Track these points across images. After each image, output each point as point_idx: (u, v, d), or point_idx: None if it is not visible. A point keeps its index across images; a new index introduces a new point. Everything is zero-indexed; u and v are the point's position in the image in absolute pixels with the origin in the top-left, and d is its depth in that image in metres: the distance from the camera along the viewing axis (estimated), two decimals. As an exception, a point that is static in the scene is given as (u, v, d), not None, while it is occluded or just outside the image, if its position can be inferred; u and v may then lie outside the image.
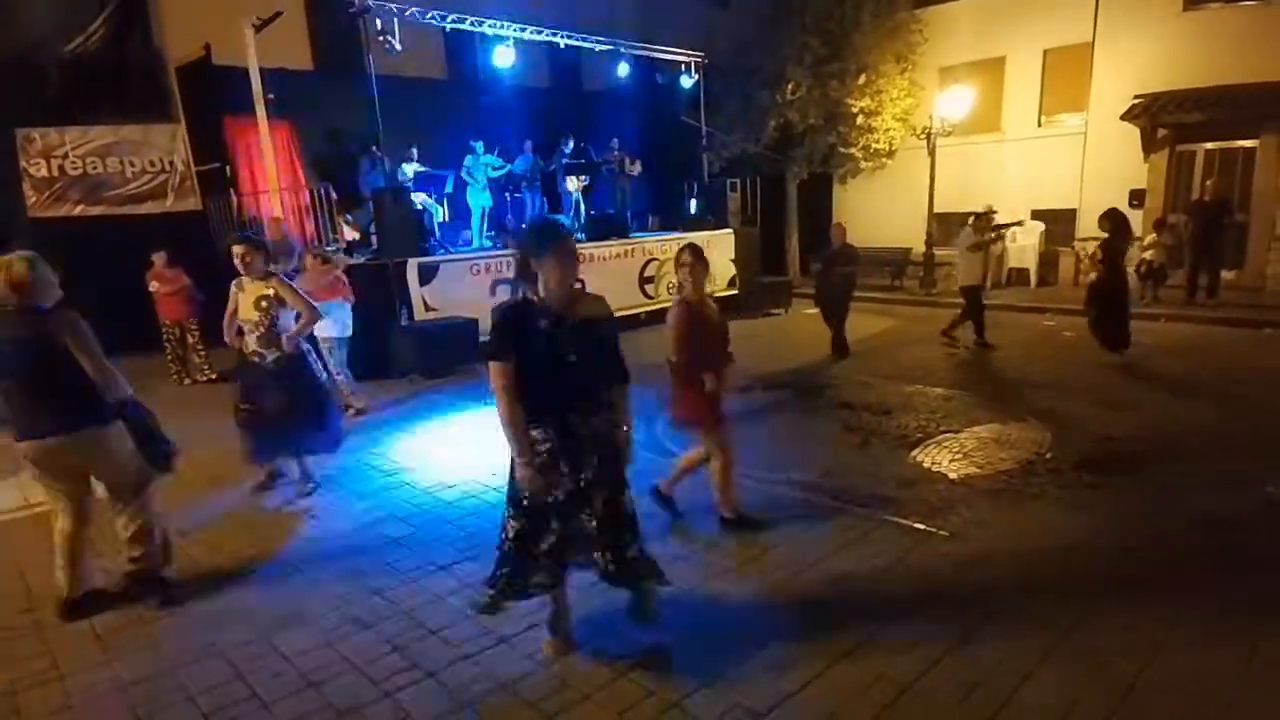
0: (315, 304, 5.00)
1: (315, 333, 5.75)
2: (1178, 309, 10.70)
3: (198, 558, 4.18)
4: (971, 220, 9.06)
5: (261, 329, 4.75)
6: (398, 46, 9.12)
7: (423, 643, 3.25)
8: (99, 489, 3.69)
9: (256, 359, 4.81)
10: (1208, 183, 11.54)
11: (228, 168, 9.89)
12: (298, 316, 4.82)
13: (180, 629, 3.46)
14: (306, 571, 3.96)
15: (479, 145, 11.26)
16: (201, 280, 8.18)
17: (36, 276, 3.37)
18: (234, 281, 4.85)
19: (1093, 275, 8.22)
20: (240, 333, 4.86)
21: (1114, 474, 4.91)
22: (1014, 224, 11.61)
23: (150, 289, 8.04)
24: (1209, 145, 12.27)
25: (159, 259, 8.05)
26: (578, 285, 2.78)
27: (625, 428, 2.97)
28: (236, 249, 4.78)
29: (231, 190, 9.93)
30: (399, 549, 4.18)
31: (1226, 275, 11.42)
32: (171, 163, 10.20)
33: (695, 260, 4.11)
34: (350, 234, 10.02)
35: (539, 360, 2.73)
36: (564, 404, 2.80)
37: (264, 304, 4.73)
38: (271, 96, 9.11)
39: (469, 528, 4.42)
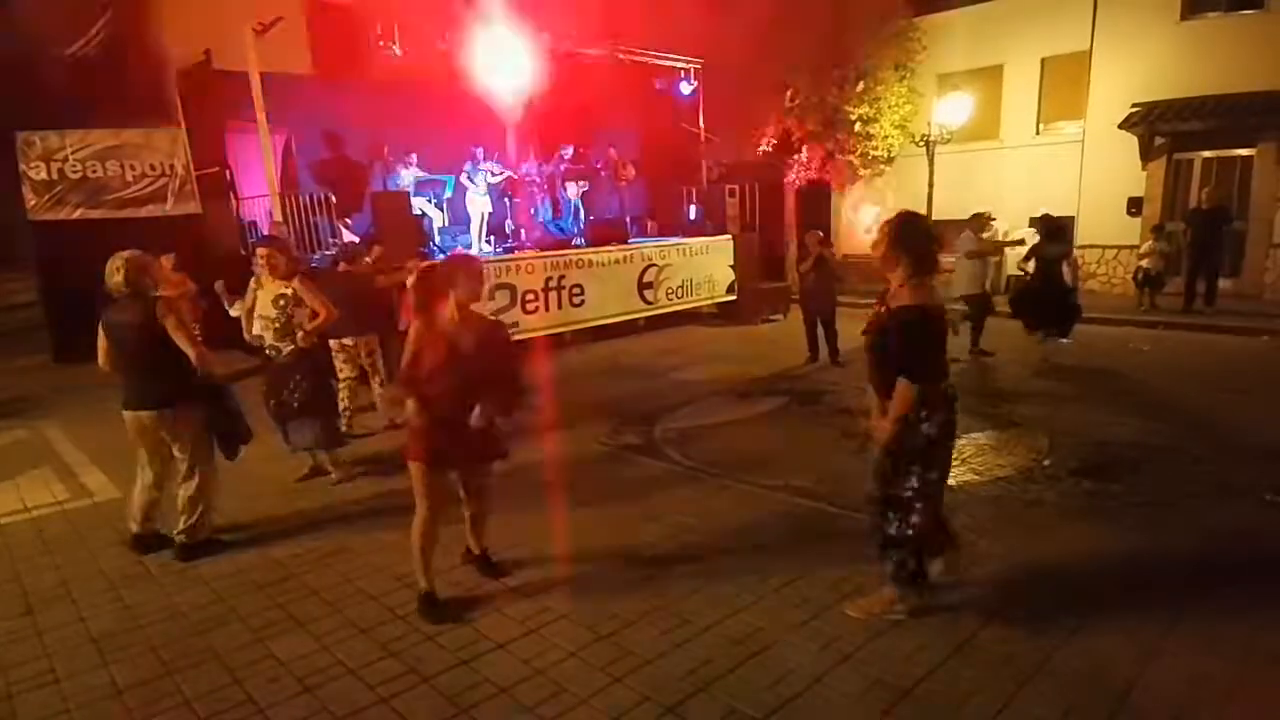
0: None
1: None
2: (1175, 316, 10.72)
3: (194, 561, 4.17)
4: (970, 221, 8.97)
5: (277, 325, 4.97)
6: (398, 52, 9.15)
7: (419, 648, 3.25)
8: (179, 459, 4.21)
9: (271, 353, 5.05)
10: (1205, 191, 11.57)
11: (228, 171, 9.89)
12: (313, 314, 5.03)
13: (177, 633, 3.45)
14: (303, 575, 3.96)
15: (479, 151, 11.29)
16: (202, 285, 8.17)
17: (145, 269, 4.03)
18: (253, 278, 5.10)
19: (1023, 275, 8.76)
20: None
21: (1111, 481, 4.92)
22: (1016, 242, 11.65)
23: None
24: (1206, 154, 12.31)
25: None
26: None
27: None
28: (260, 251, 5.05)
29: (231, 194, 9.94)
30: (397, 552, 4.17)
31: (1224, 283, 11.45)
32: (172, 166, 10.20)
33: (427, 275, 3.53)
34: (349, 238, 10.03)
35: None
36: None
37: (281, 302, 4.95)
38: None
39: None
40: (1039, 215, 8.84)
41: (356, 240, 9.99)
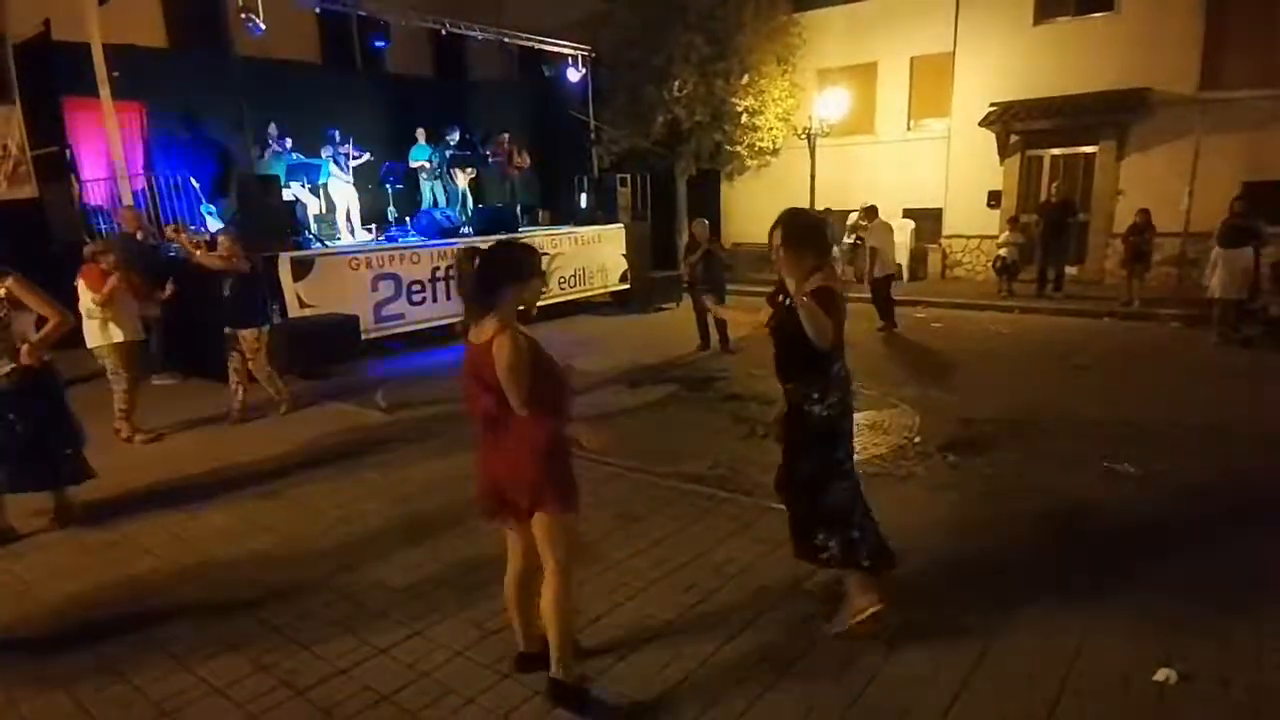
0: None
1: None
2: (1029, 301, 11.66)
3: None
4: (869, 211, 10.19)
5: None
6: (262, 26, 8.56)
7: (293, 659, 3.07)
8: None
9: None
10: (1054, 185, 12.62)
11: (68, 151, 8.97)
12: (40, 322, 4.19)
13: None
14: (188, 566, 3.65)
15: (335, 133, 10.75)
16: (37, 278, 7.38)
17: None
18: None
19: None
20: None
21: (974, 455, 5.28)
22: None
23: None
24: (1055, 151, 13.39)
25: None
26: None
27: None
28: None
29: (73, 176, 9.02)
30: (262, 563, 3.93)
31: (1070, 270, 12.53)
32: (5, 147, 9.20)
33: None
34: (213, 225, 9.34)
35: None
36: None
37: None
38: (116, 75, 8.33)
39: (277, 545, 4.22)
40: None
41: (223, 227, 9.36)
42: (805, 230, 3.17)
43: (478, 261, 2.58)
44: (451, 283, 9.78)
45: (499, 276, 2.56)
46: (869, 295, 10.10)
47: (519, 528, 2.72)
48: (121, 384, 5.90)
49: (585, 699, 2.76)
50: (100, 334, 5.78)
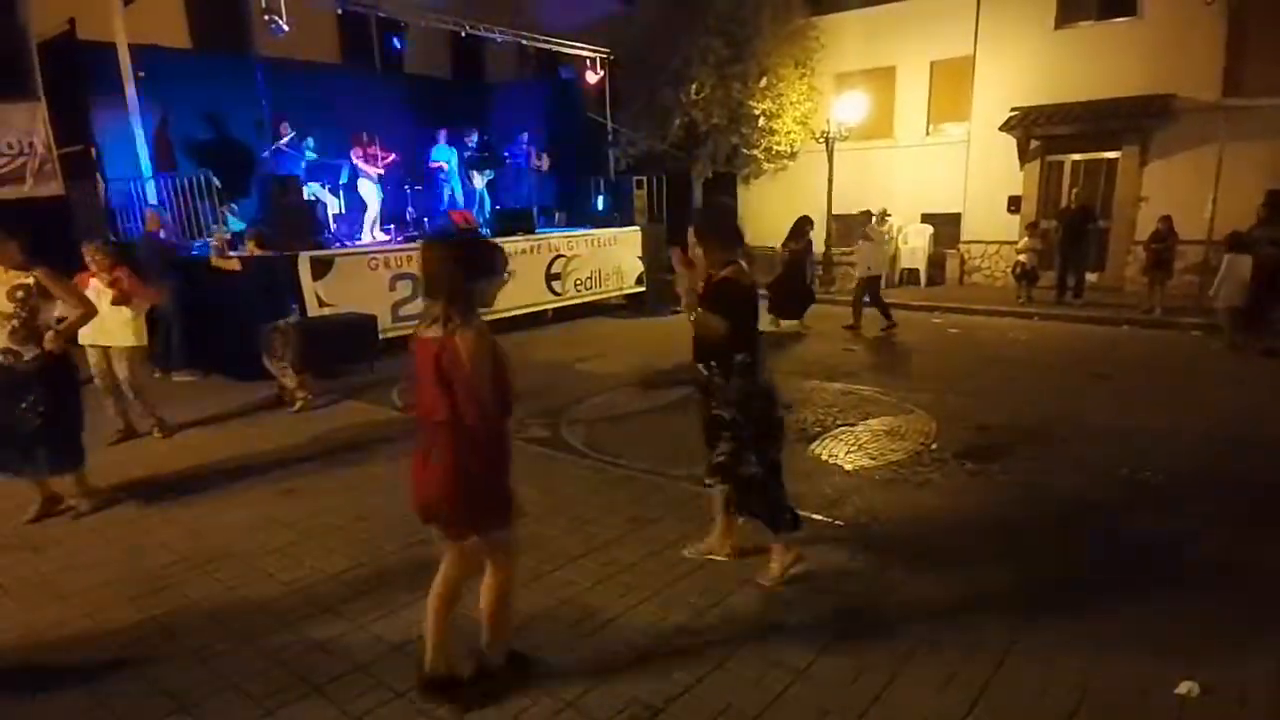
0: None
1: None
2: (1048, 308, 11.54)
3: None
4: (862, 215, 10.54)
5: (15, 323, 4.16)
6: (285, 27, 8.65)
7: (308, 657, 3.09)
8: None
9: (7, 358, 4.20)
10: (1074, 191, 12.50)
11: (93, 150, 9.10)
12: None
13: None
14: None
15: (364, 134, 10.84)
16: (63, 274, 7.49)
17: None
18: None
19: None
20: None
21: (991, 461, 5.23)
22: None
23: None
24: (1076, 156, 13.25)
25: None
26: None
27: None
28: None
29: (98, 175, 9.16)
30: (278, 557, 3.96)
31: (1090, 277, 12.39)
32: (31, 144, 9.32)
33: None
34: (235, 225, 9.45)
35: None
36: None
37: (20, 294, 4.17)
38: (141, 75, 8.45)
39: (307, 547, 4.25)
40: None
41: (245, 227, 9.46)
42: (712, 223, 3.44)
43: (446, 255, 2.52)
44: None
45: (470, 272, 2.51)
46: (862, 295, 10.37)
47: (449, 541, 2.69)
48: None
49: (521, 663, 2.90)
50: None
